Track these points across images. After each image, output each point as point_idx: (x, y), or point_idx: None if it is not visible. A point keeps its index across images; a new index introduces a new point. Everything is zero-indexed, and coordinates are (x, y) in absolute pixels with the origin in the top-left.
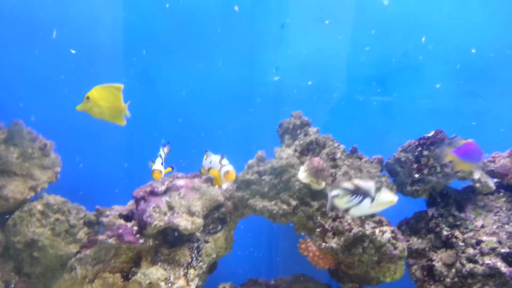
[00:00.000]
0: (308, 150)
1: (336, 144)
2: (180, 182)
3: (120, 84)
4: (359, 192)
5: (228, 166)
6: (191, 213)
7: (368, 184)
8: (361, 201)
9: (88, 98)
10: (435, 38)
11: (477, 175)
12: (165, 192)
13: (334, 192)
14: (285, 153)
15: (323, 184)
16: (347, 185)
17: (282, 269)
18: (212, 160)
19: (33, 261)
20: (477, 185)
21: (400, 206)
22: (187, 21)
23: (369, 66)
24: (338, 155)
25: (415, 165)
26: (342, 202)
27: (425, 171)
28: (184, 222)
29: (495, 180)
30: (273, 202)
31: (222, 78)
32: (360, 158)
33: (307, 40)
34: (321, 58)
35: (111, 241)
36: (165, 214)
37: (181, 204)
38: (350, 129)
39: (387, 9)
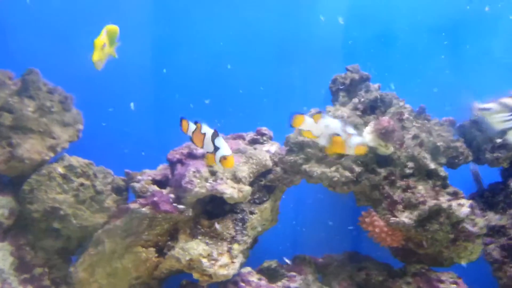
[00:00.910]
0: (372, 108)
1: (402, 103)
2: None
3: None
4: None
5: (225, 150)
6: (236, 180)
7: None
8: None
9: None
10: None
11: None
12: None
13: (486, 105)
14: (343, 112)
15: (392, 148)
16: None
17: (327, 246)
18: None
19: (52, 233)
20: None
21: (467, 176)
22: None
23: (437, 15)
24: (406, 115)
25: None
26: (495, 119)
27: (510, 135)
28: (230, 190)
29: None
30: (333, 168)
31: (264, 27)
32: (429, 120)
33: None
34: (381, 5)
35: (145, 210)
36: (206, 180)
37: (225, 169)
38: (413, 87)
39: None
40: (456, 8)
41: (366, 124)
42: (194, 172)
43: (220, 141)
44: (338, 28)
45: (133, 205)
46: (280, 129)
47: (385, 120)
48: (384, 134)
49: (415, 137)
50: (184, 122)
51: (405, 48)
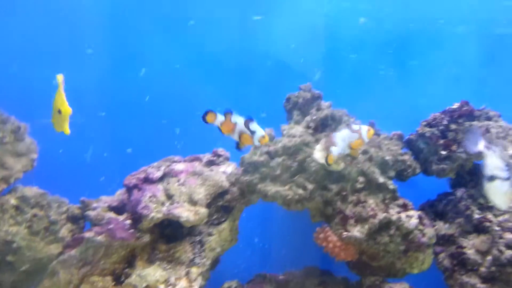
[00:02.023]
0: (324, 126)
1: (352, 120)
2: (179, 167)
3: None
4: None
5: (260, 131)
6: (193, 202)
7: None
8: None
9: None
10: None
11: (511, 150)
12: (161, 179)
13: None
14: (297, 130)
15: (342, 164)
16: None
17: (290, 261)
18: (238, 123)
19: (6, 267)
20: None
21: (420, 187)
22: None
23: (385, 32)
24: None
25: (441, 141)
26: (493, 163)
27: (454, 147)
28: (186, 213)
29: None
30: (287, 187)
31: (219, 48)
32: (378, 135)
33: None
34: (330, 25)
35: (100, 238)
36: (163, 204)
37: (181, 191)
38: (364, 103)
39: None
40: (401, 25)
41: (317, 141)
42: (150, 197)
43: (255, 125)
44: (291, 47)
45: (88, 234)
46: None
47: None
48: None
49: (365, 152)
50: (211, 114)
51: (355, 65)
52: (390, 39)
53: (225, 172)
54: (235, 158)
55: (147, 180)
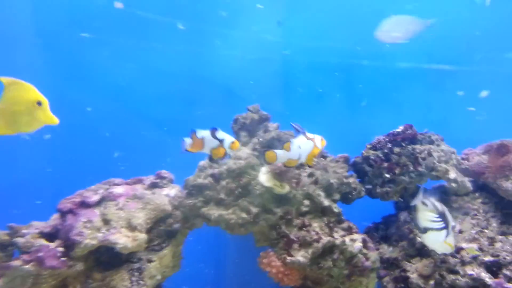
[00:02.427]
0: (269, 148)
1: None
2: (119, 190)
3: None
4: (444, 219)
5: (229, 138)
6: (132, 227)
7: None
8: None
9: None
10: None
11: (452, 174)
12: (99, 203)
13: (424, 200)
14: (243, 152)
15: (287, 187)
16: (437, 203)
17: (236, 286)
18: (205, 138)
19: None
20: (453, 185)
21: (367, 209)
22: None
23: (332, 55)
24: None
25: (385, 164)
26: (424, 217)
27: (397, 170)
28: (123, 239)
29: (469, 179)
30: (230, 210)
31: (168, 68)
32: (325, 157)
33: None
34: (280, 44)
35: (29, 267)
36: (99, 229)
37: (119, 216)
38: (311, 125)
39: None
40: (347, 50)
41: (263, 164)
42: (85, 222)
43: (221, 133)
44: (241, 67)
45: (15, 263)
46: (183, 171)
47: None
48: (279, 174)
49: (310, 175)
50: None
51: (304, 87)
52: (338, 63)
53: (168, 195)
54: (180, 180)
55: (83, 204)
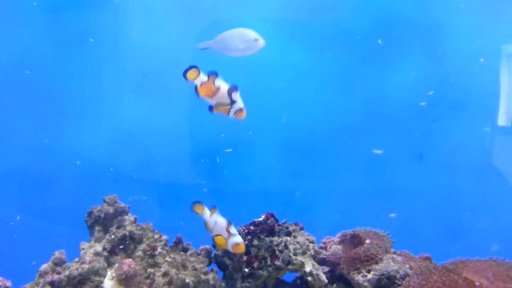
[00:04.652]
0: (121, 247)
1: (157, 236)
2: None
3: None
4: None
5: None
6: None
7: None
8: None
9: None
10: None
11: (308, 267)
12: None
13: None
14: (88, 254)
15: None
16: None
17: None
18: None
19: None
20: (309, 278)
21: None
22: None
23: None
24: (159, 250)
25: (244, 258)
26: None
27: (256, 264)
28: None
29: (327, 268)
30: None
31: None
32: (186, 250)
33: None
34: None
35: None
36: None
37: None
38: (174, 217)
39: None
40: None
41: (110, 267)
42: None
43: (237, 96)
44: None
45: None
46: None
47: (126, 263)
48: (125, 280)
49: (165, 274)
50: (193, 71)
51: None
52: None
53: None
54: None
55: None
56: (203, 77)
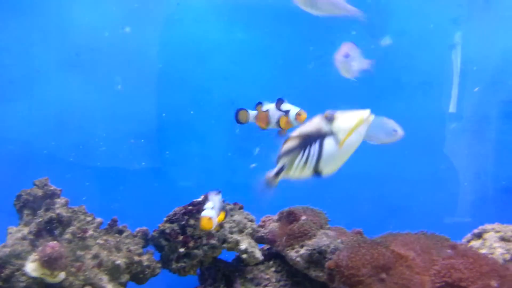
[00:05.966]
0: (48, 230)
1: (89, 218)
2: None
3: None
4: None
5: (293, 108)
6: None
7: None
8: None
9: None
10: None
11: (244, 244)
12: None
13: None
14: (10, 238)
15: (63, 274)
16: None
17: None
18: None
19: None
20: (244, 256)
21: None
22: None
23: (136, 122)
24: (90, 232)
25: (181, 237)
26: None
27: (191, 244)
28: None
29: (267, 246)
30: None
31: None
32: (122, 233)
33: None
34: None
35: None
36: None
37: None
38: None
39: None
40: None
41: (34, 250)
42: None
43: (286, 105)
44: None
45: None
46: None
47: (50, 245)
48: (48, 262)
49: (95, 256)
50: (243, 113)
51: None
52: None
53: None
54: None
55: None
56: (252, 113)
